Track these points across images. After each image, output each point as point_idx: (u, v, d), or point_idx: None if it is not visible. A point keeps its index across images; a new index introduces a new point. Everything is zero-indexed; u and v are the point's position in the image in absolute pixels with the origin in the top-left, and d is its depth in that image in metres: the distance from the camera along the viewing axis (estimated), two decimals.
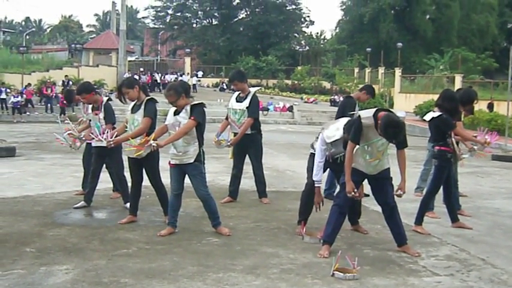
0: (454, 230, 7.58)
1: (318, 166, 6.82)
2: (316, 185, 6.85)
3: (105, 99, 8.45)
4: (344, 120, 6.78)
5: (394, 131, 5.81)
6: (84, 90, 8.38)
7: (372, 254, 6.30)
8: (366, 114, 6.09)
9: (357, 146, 6.15)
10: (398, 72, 45.04)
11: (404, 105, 37.31)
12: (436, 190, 7.70)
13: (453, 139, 7.57)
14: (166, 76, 48.30)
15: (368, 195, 8.77)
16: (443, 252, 6.50)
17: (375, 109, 6.15)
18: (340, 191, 6.42)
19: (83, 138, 8.27)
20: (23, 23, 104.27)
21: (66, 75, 37.91)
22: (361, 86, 11.77)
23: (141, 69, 51.69)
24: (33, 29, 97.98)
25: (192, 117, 6.62)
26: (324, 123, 7.24)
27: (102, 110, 8.25)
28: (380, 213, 6.70)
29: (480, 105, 26.74)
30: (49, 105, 32.68)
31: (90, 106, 8.47)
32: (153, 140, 6.62)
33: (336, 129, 6.77)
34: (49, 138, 19.42)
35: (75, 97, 9.33)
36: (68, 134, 8.26)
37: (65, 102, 30.49)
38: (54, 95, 33.58)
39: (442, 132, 7.47)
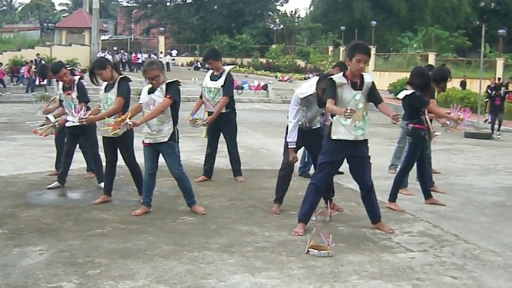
0: (427, 207, 7.66)
1: (292, 127, 6.83)
2: (290, 147, 6.90)
3: (76, 78, 8.35)
4: (316, 79, 6.82)
5: (363, 44, 6.22)
6: (61, 66, 8.34)
7: (346, 231, 6.34)
8: (337, 75, 6.17)
9: (336, 118, 6.08)
10: (372, 50, 45.06)
11: (378, 83, 36.86)
12: (410, 167, 7.76)
13: (427, 116, 7.62)
14: (139, 55, 47.89)
15: (343, 173, 8.84)
16: (416, 228, 6.56)
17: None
18: (318, 171, 6.38)
19: (57, 125, 8.16)
20: None
21: (37, 54, 37.33)
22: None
23: (115, 48, 51.13)
24: (4, 8, 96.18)
25: (168, 96, 6.57)
26: None
27: (75, 89, 8.17)
28: (354, 191, 6.76)
29: (453, 83, 26.96)
30: (21, 84, 32.50)
31: (61, 86, 8.37)
32: (128, 118, 6.57)
33: (308, 87, 6.83)
34: (22, 118, 19.18)
35: (49, 73, 9.24)
36: (43, 130, 8.19)
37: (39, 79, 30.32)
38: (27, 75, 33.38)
39: (415, 109, 7.50)
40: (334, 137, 6.07)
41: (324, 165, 6.23)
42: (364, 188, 6.38)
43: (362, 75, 6.13)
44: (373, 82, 6.18)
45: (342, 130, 6.04)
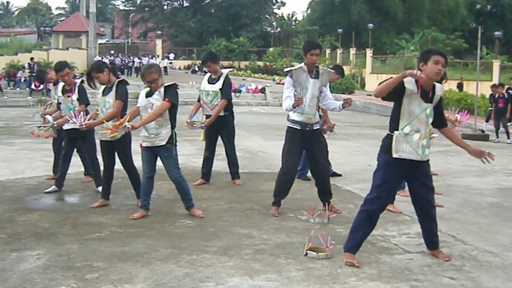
0: None
1: (286, 102, 6.86)
2: (295, 106, 6.77)
3: (78, 81, 8.37)
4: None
5: (435, 48, 5.23)
6: (66, 65, 8.37)
7: (344, 233, 6.29)
8: (408, 80, 5.09)
9: (398, 132, 5.19)
10: (369, 53, 45.17)
11: (375, 85, 37.43)
12: None
13: None
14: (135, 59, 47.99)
15: (340, 175, 8.84)
16: (414, 230, 6.55)
17: None
18: (371, 193, 5.39)
19: (55, 125, 8.15)
20: None
21: (31, 58, 37.12)
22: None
23: (112, 51, 51.12)
24: (1, 12, 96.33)
25: (167, 99, 6.57)
26: None
27: (76, 91, 8.18)
28: (352, 193, 6.74)
29: (450, 85, 27.01)
30: (18, 88, 32.59)
31: (60, 89, 8.37)
32: (127, 122, 6.57)
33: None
34: (19, 122, 19.19)
35: (47, 76, 9.25)
36: (42, 131, 8.19)
37: (35, 83, 30.37)
38: (23, 78, 33.43)
39: None
40: (395, 155, 5.20)
41: (378, 187, 5.31)
42: (426, 218, 5.62)
43: (434, 84, 5.28)
44: (441, 97, 5.40)
45: (406, 148, 5.21)
